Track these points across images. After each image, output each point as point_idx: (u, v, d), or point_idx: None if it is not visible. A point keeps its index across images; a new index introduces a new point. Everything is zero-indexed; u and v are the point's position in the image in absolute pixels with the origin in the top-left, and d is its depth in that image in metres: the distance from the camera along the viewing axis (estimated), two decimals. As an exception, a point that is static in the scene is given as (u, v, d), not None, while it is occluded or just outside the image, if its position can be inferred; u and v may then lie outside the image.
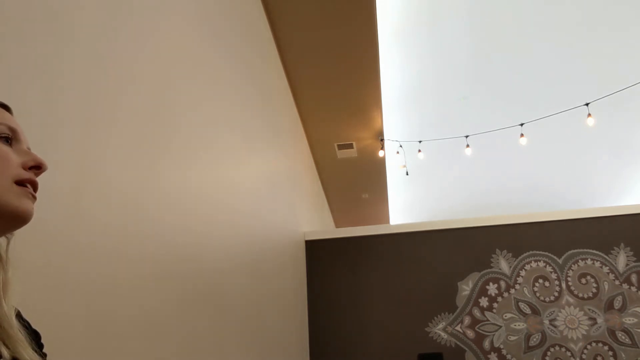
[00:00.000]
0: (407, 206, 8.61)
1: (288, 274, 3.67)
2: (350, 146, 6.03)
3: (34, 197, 0.71)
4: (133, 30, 1.55)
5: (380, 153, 6.12)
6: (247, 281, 2.56)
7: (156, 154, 1.61)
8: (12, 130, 0.73)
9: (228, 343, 2.14)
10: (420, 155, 6.28)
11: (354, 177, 6.91)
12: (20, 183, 0.69)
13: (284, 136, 4.22)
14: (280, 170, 3.83)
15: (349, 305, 4.19)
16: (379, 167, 6.63)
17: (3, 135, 0.71)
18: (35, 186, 0.71)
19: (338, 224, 8.49)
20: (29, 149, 0.76)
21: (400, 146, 6.35)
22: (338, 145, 6.00)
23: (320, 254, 4.43)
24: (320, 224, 6.26)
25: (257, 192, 2.99)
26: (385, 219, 8.48)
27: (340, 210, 8.11)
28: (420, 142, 6.24)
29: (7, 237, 0.76)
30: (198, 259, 1.89)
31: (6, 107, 0.77)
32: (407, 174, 6.83)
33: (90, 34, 1.30)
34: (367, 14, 4.01)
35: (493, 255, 4.11)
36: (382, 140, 5.94)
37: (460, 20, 4.95)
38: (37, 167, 0.73)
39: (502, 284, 4.02)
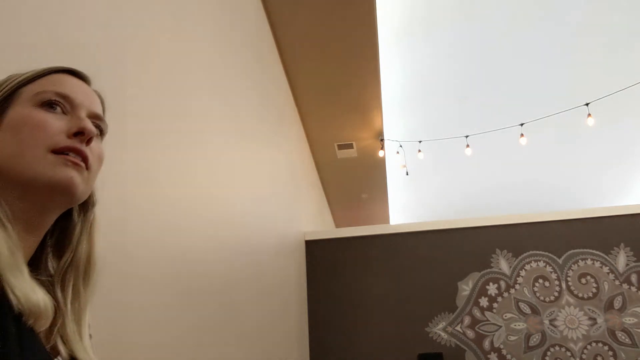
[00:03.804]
0: (407, 206, 8.61)
1: (288, 274, 3.66)
2: (350, 146, 6.02)
3: (78, 165, 0.65)
4: (133, 29, 1.55)
5: (380, 153, 6.12)
6: (247, 281, 2.56)
7: (155, 154, 1.61)
8: (63, 96, 0.68)
9: (227, 343, 2.14)
10: (420, 155, 6.28)
11: (354, 177, 6.91)
12: (59, 152, 0.64)
13: (284, 136, 4.21)
14: (280, 171, 3.83)
15: (348, 305, 4.18)
16: (379, 167, 6.62)
17: (46, 101, 0.66)
18: (79, 153, 0.65)
19: (338, 224, 8.48)
20: (93, 115, 0.71)
21: (400, 146, 6.35)
22: (338, 145, 6.00)
23: (320, 254, 4.43)
24: (320, 224, 6.25)
25: (257, 192, 2.98)
26: (385, 219, 8.47)
27: (340, 210, 8.10)
28: (420, 142, 6.24)
29: (85, 209, 0.72)
30: (197, 259, 1.89)
31: (73, 72, 0.73)
32: (407, 174, 6.82)
33: (90, 31, 1.30)
34: (367, 14, 4.01)
35: (493, 255, 4.11)
36: (382, 140, 5.94)
37: (461, 20, 4.95)
38: (81, 133, 0.66)
39: (502, 284, 4.02)
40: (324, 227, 6.82)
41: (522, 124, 5.64)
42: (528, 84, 5.78)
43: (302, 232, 4.46)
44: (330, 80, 4.78)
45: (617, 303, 3.84)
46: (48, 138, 0.63)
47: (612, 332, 3.78)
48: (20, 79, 0.68)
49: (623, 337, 3.75)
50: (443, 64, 5.50)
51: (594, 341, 3.78)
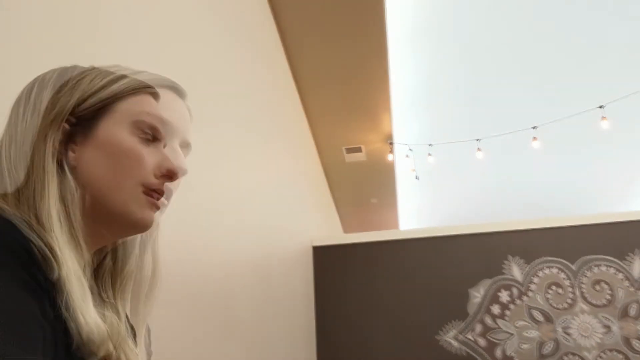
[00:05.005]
0: (417, 211, 8.55)
1: (295, 280, 3.64)
2: (358, 150, 5.98)
3: (158, 208, 0.66)
4: (135, 29, 1.51)
5: (389, 157, 6.07)
6: (252, 287, 2.52)
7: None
8: (161, 122, 0.68)
9: (232, 354, 2.10)
10: (431, 159, 6.22)
11: (363, 181, 6.86)
12: (147, 191, 0.65)
13: (292, 140, 4.19)
14: (288, 175, 3.80)
15: (356, 312, 4.13)
16: (388, 171, 6.57)
17: (142, 130, 0.66)
18: (162, 194, 0.67)
19: (346, 229, 8.44)
20: (185, 144, 0.73)
21: (410, 150, 6.29)
22: (346, 149, 5.95)
23: (327, 260, 4.38)
24: (328, 229, 6.22)
25: (264, 197, 2.95)
26: (395, 224, 8.42)
27: (348, 215, 8.06)
28: (430, 145, 6.18)
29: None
30: (201, 264, 1.85)
31: (172, 88, 0.73)
32: (416, 179, 6.76)
33: (94, 34, 1.26)
34: (377, 16, 3.97)
35: (505, 262, 4.04)
36: (391, 143, 5.89)
37: (472, 22, 4.90)
38: (170, 176, 0.67)
39: (515, 290, 3.95)
40: (332, 232, 6.78)
41: (534, 127, 5.57)
42: (541, 86, 5.70)
43: (309, 237, 4.43)
44: (338, 83, 4.75)
45: (632, 310, 3.77)
46: (142, 175, 0.64)
47: (626, 340, 3.71)
48: (117, 90, 0.66)
49: (638, 345, 3.68)
50: (454, 67, 5.45)
51: (608, 349, 3.71)
